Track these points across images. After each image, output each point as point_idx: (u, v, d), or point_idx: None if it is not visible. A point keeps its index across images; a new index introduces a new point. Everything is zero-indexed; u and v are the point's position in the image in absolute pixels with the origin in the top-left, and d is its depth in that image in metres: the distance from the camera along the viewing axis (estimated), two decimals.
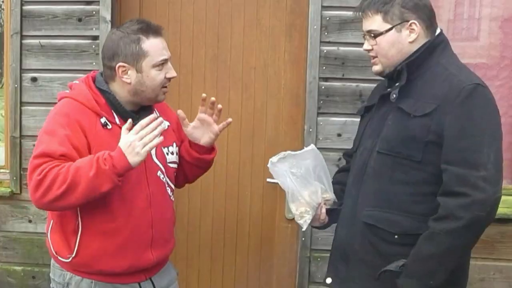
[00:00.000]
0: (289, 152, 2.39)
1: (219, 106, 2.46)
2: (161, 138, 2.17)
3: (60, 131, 2.19)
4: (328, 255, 2.45)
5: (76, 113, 2.24)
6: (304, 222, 2.33)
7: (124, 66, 2.27)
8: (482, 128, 2.02)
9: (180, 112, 2.45)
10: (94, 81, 2.35)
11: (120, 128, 2.28)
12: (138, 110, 2.38)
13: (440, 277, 2.06)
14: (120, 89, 2.31)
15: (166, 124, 2.48)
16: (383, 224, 2.17)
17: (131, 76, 2.28)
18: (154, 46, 2.27)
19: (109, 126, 2.28)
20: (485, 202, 1.98)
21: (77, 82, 2.36)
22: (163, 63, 2.30)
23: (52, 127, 2.23)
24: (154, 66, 2.28)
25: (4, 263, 3.47)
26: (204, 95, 2.44)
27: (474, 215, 1.98)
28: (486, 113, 2.04)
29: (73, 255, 2.28)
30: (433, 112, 2.07)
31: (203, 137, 2.49)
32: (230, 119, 2.49)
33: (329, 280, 2.34)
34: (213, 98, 2.45)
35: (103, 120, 2.27)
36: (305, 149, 2.44)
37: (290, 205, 2.34)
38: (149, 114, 2.36)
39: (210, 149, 2.54)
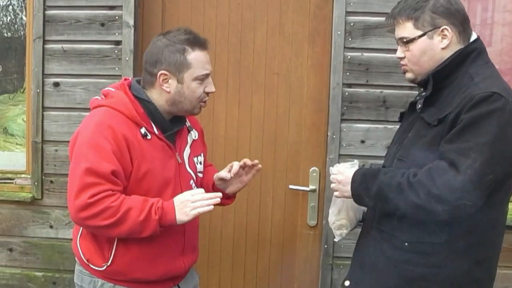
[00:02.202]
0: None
1: (260, 166, 2.52)
2: (212, 207, 2.20)
3: (106, 145, 2.15)
4: (350, 262, 2.43)
5: (118, 124, 2.20)
6: (340, 234, 2.38)
7: (166, 74, 2.25)
8: (479, 134, 1.96)
9: (226, 174, 2.46)
10: (129, 88, 2.32)
11: (159, 138, 2.28)
12: (172, 120, 2.37)
13: (368, 201, 2.14)
14: (158, 97, 2.29)
15: (196, 134, 2.52)
16: (394, 230, 2.16)
17: (171, 85, 2.26)
18: (198, 59, 2.26)
19: (149, 137, 2.25)
20: (446, 203, 1.94)
21: (111, 89, 2.32)
22: (205, 77, 2.29)
23: (96, 139, 2.17)
24: (196, 79, 2.26)
25: (25, 268, 3.46)
26: (248, 162, 2.48)
27: (431, 205, 1.96)
28: (489, 121, 1.96)
29: (108, 264, 2.27)
30: (446, 119, 2.04)
31: (231, 187, 2.52)
32: (259, 166, 2.52)
33: (347, 283, 2.34)
34: (256, 161, 2.50)
35: (143, 130, 2.24)
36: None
37: (333, 211, 2.35)
38: (182, 126, 2.40)
39: (231, 196, 2.57)
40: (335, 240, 2.42)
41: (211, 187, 2.53)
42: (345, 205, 2.33)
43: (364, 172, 2.19)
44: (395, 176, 2.06)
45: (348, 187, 2.18)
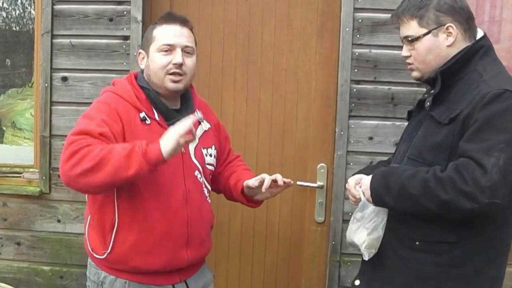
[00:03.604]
0: None
1: (292, 182, 2.51)
2: (196, 139, 2.22)
3: (99, 115, 2.21)
4: (358, 259, 2.43)
5: (116, 103, 2.27)
6: (369, 254, 2.25)
7: (140, 53, 2.39)
8: (498, 132, 1.94)
9: (253, 183, 2.46)
10: (136, 78, 2.40)
11: (159, 124, 2.31)
12: (180, 109, 2.40)
13: (389, 200, 2.08)
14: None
15: (207, 125, 2.52)
16: (406, 229, 2.14)
17: (143, 62, 2.38)
18: (163, 32, 2.32)
19: (148, 121, 2.29)
20: (476, 201, 1.91)
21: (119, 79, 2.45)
22: (168, 48, 2.30)
23: (90, 112, 2.25)
24: (158, 50, 2.32)
25: (32, 262, 3.47)
26: (280, 180, 2.45)
27: (460, 201, 1.92)
28: (505, 118, 1.96)
29: (108, 251, 2.28)
30: (458, 117, 2.03)
31: (259, 195, 2.53)
32: (291, 182, 2.51)
33: (357, 282, 2.33)
34: (289, 181, 2.48)
35: (142, 114, 2.29)
36: None
37: (367, 227, 2.23)
38: (190, 113, 2.35)
39: (259, 201, 2.58)
40: (365, 258, 2.24)
41: (239, 191, 2.53)
42: (382, 223, 2.20)
43: (383, 171, 2.15)
44: (419, 172, 2.02)
45: (368, 190, 2.15)
